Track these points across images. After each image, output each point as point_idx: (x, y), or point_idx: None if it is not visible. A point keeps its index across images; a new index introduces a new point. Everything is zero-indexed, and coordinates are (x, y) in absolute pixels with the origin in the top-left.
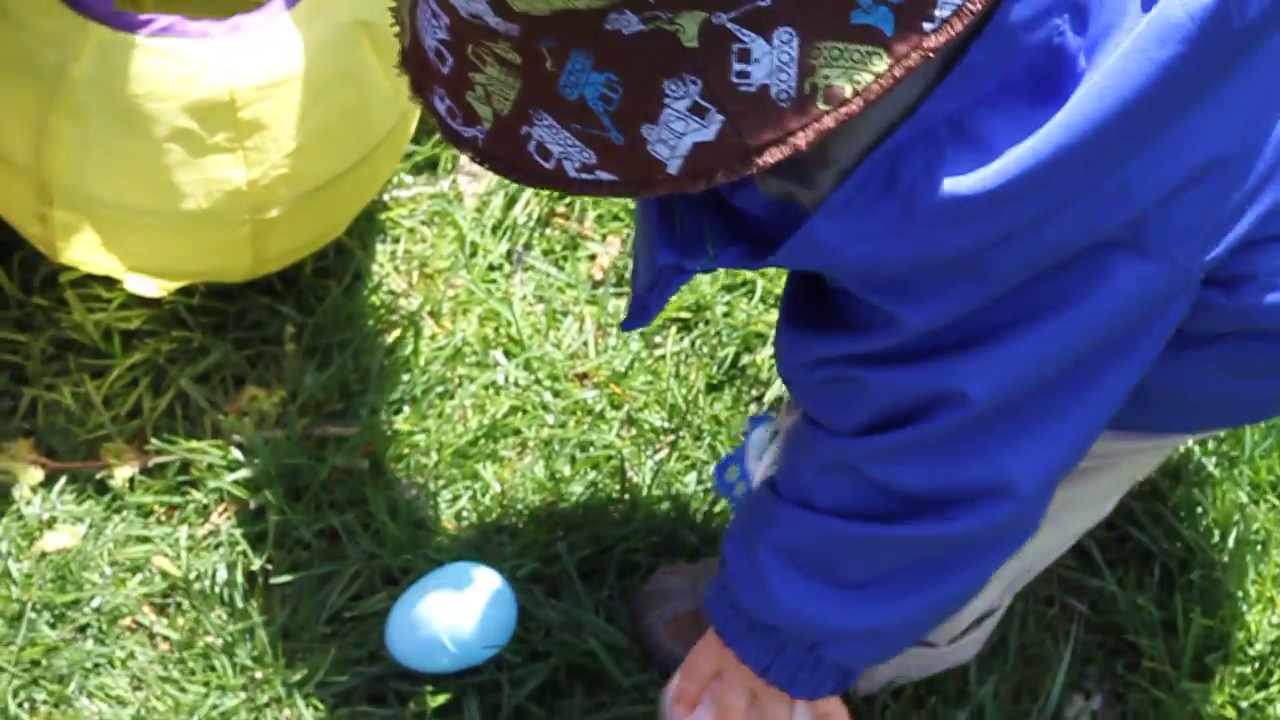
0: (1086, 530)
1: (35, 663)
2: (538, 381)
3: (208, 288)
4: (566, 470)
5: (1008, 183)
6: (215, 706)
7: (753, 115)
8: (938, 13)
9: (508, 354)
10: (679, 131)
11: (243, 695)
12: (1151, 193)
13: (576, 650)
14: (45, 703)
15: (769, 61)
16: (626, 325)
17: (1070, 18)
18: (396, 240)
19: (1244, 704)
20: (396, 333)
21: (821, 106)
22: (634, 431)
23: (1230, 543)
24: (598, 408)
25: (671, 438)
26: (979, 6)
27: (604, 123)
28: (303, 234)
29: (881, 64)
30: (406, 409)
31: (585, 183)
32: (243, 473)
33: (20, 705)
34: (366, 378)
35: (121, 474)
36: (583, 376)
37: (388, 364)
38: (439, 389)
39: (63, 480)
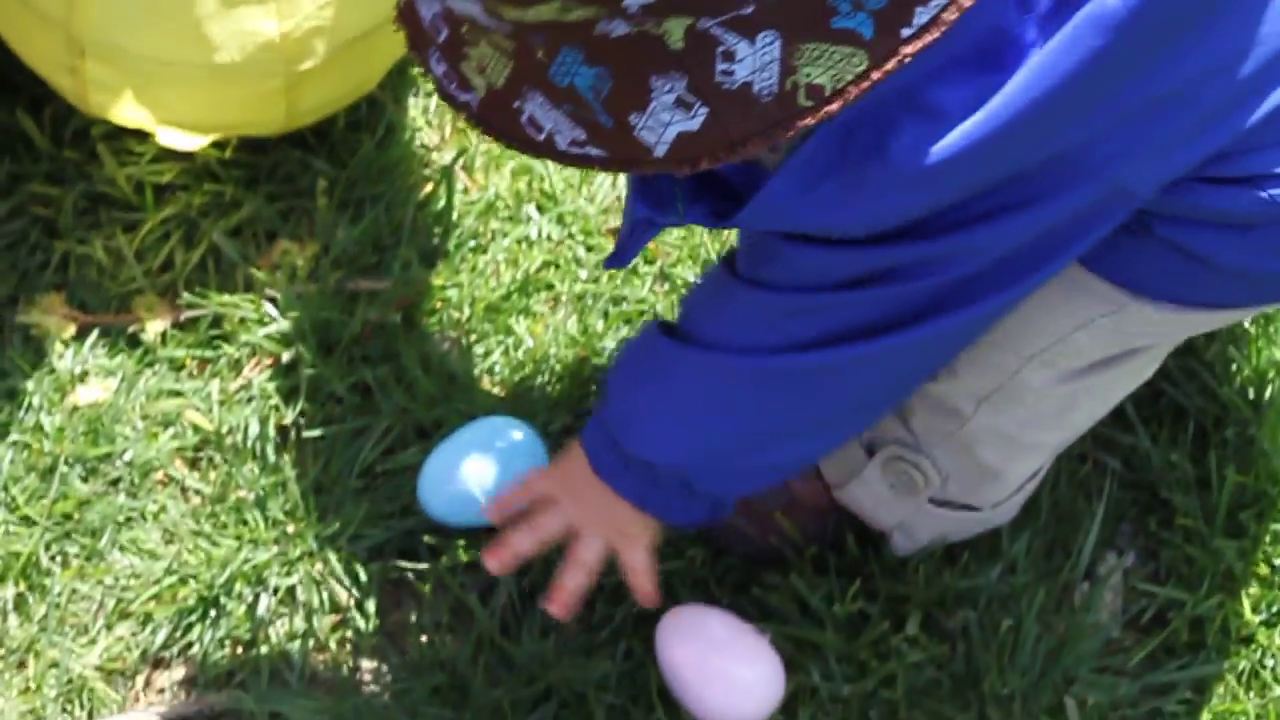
0: (1129, 393)
1: (67, 516)
2: (570, 236)
3: (240, 141)
4: (599, 325)
5: (959, 153)
6: (247, 560)
7: (736, 110)
8: (915, 20)
9: (540, 208)
10: (665, 121)
11: (274, 549)
12: (1102, 156)
13: None
14: (77, 556)
15: (752, 61)
16: (608, 263)
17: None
18: (429, 94)
19: (1277, 561)
20: (429, 187)
21: (803, 103)
22: (667, 286)
23: (1265, 399)
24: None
25: None
26: (954, 16)
27: (594, 108)
28: (336, 87)
29: (861, 65)
30: (439, 263)
31: (576, 156)
32: (275, 327)
33: (52, 559)
34: (399, 232)
35: (153, 328)
36: (615, 231)
37: (420, 218)
38: (472, 243)
39: (94, 334)
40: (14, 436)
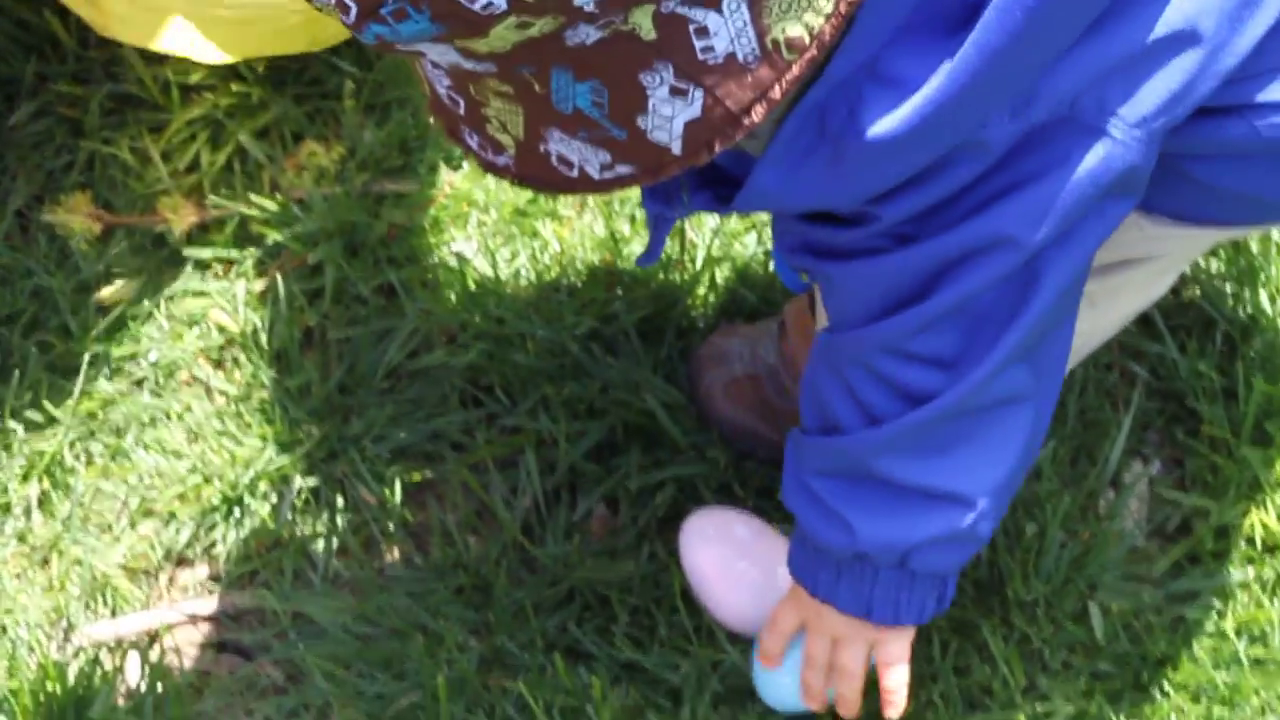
0: (1143, 309)
1: (92, 415)
2: None
3: None
4: (626, 230)
5: (926, 116)
6: (271, 460)
7: (728, 82)
8: None
9: None
10: (669, 115)
11: (299, 450)
12: (1072, 87)
13: (634, 409)
14: (101, 455)
15: (727, 31)
16: (641, 261)
17: None
18: None
19: None
20: None
21: (787, 56)
22: None
23: None
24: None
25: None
26: None
27: (603, 124)
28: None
29: (828, 4)
30: (465, 166)
31: (610, 181)
32: (300, 228)
33: (76, 457)
34: (426, 134)
35: (179, 229)
36: None
37: None
38: None
39: (120, 234)
40: (39, 336)
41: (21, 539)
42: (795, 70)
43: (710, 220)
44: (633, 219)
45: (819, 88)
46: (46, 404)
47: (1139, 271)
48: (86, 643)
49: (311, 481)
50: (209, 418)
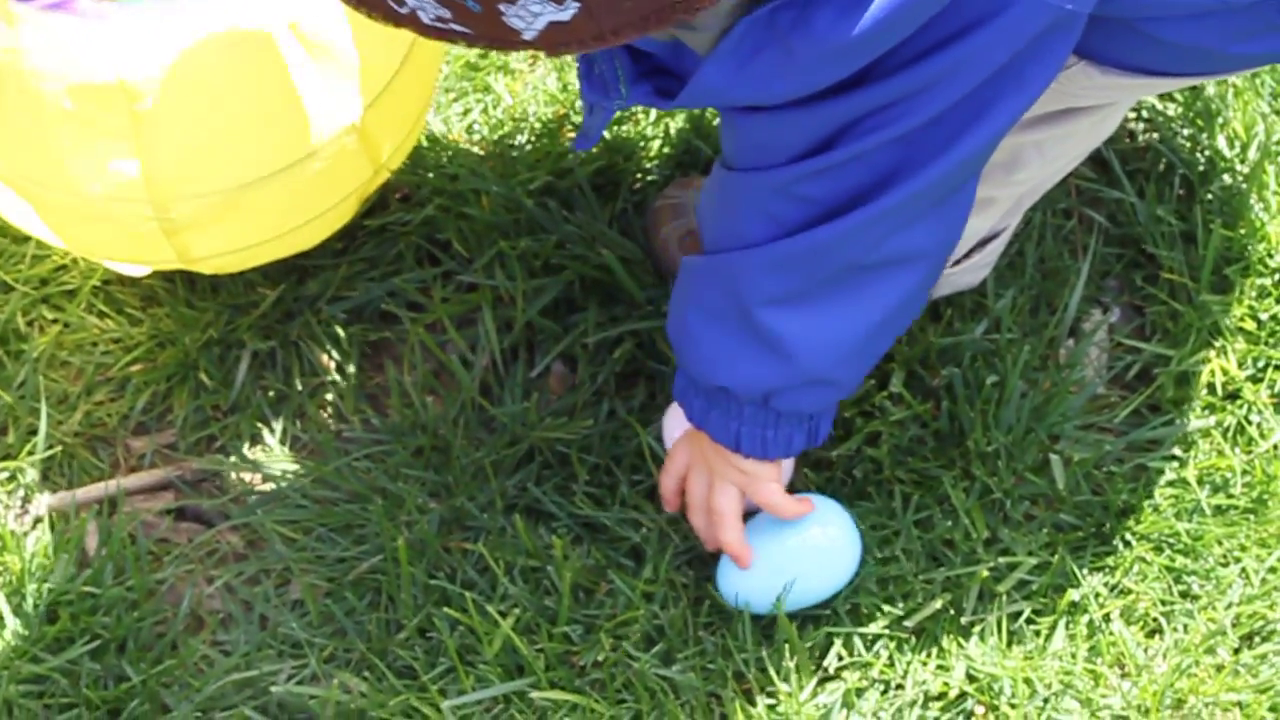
0: (1087, 153)
1: (44, 281)
2: None
3: None
4: (579, 83)
5: (876, 23)
6: (226, 324)
7: (607, 4)
8: None
9: None
10: (536, 12)
11: (253, 313)
12: None
13: (590, 264)
14: (55, 322)
15: None
16: (577, 144)
17: None
18: None
19: (1263, 315)
20: None
21: None
22: None
23: (1251, 153)
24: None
25: None
26: None
27: None
28: (232, 238)
29: None
30: None
31: (440, 30)
32: None
33: (30, 324)
34: None
35: None
36: None
37: None
38: None
39: None
40: None
41: None
42: (680, 13)
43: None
44: None
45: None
46: None
47: (1089, 117)
48: (45, 512)
49: (267, 345)
50: (163, 282)
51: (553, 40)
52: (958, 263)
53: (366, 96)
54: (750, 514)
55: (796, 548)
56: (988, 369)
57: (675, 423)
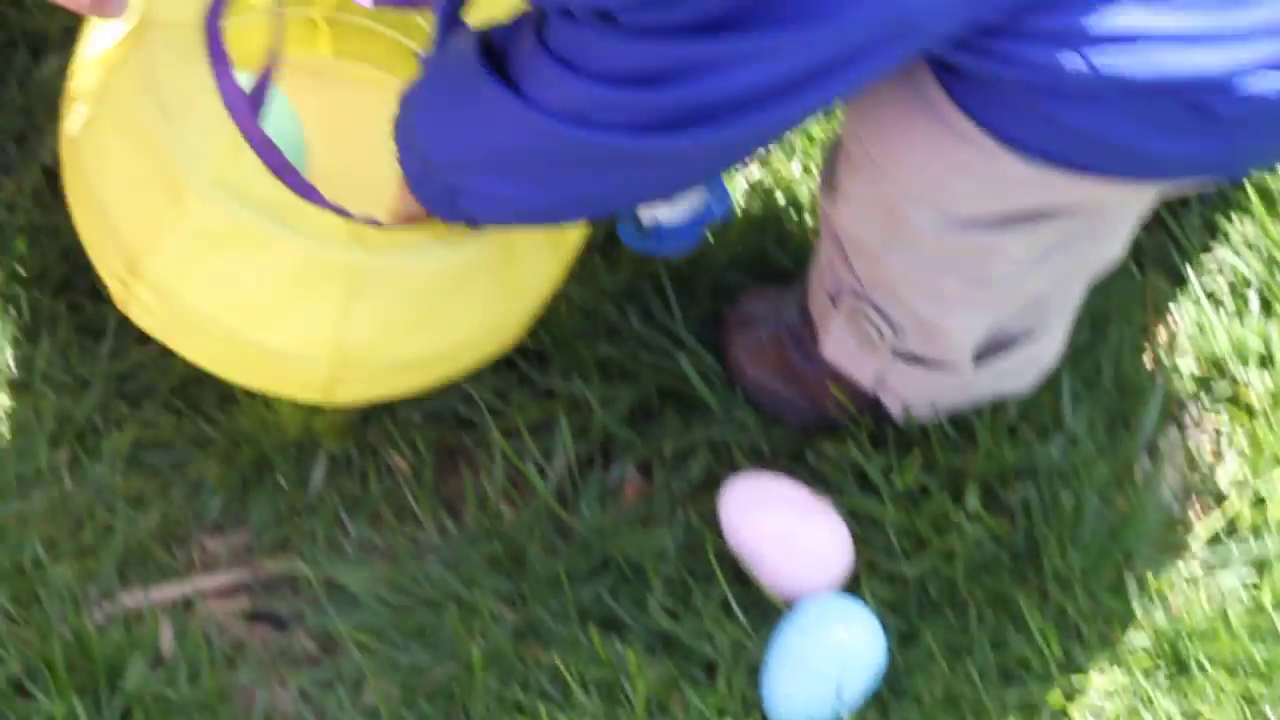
0: (1102, 265)
1: (122, 378)
2: None
3: None
4: None
5: None
6: (303, 426)
7: None
8: None
9: None
10: None
11: (331, 415)
12: None
13: (667, 372)
14: (132, 420)
15: None
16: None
17: None
18: None
19: None
20: None
21: None
22: None
23: None
24: None
25: (765, 152)
26: None
27: None
28: (383, 391)
29: None
30: None
31: None
32: None
33: (107, 421)
34: None
35: None
36: None
37: None
38: None
39: None
40: (69, 297)
41: (53, 505)
42: None
43: (742, 182)
44: None
45: None
46: (76, 366)
47: (1059, 227)
48: (119, 611)
49: (344, 447)
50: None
51: None
52: (979, 363)
53: (548, 284)
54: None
55: (824, 651)
56: (1064, 487)
57: (735, 509)
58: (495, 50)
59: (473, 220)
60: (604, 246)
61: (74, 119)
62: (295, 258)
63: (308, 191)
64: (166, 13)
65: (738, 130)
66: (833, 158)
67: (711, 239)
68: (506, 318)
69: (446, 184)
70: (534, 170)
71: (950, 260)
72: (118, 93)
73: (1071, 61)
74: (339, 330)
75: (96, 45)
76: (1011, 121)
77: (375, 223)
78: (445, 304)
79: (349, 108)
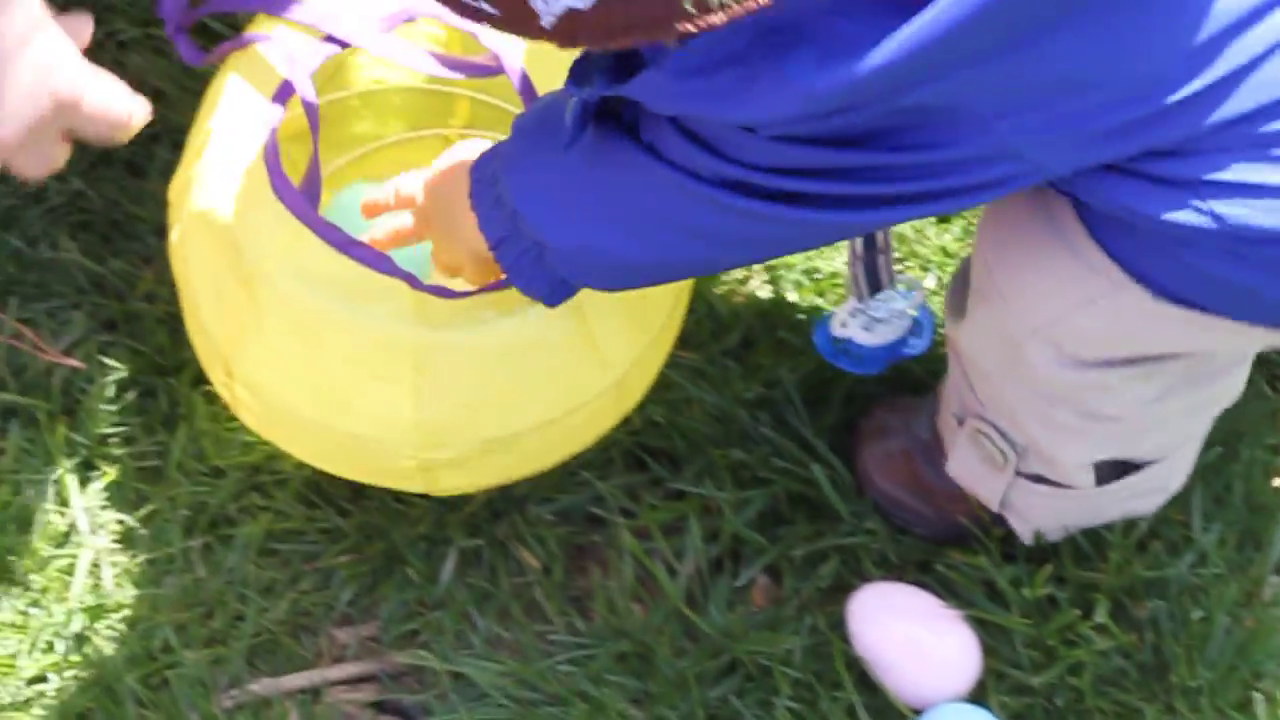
0: (1226, 402)
1: (256, 469)
2: None
3: None
4: (793, 297)
5: (847, 84)
6: (434, 519)
7: (621, 2)
8: None
9: None
10: None
11: (462, 509)
12: (992, 114)
13: (797, 478)
14: (265, 509)
15: None
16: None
17: None
18: None
19: None
20: None
21: (687, 7)
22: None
23: None
24: None
25: (899, 267)
26: None
27: None
28: (482, 476)
29: None
30: None
31: (469, 7)
32: None
33: (241, 510)
34: None
35: None
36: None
37: None
38: None
39: None
40: (206, 387)
41: (184, 591)
42: (688, 25)
43: None
44: (798, 284)
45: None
46: (212, 456)
47: (1179, 369)
48: (248, 699)
49: (474, 542)
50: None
51: (566, 30)
52: (1101, 484)
53: (630, 355)
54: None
55: None
56: (1193, 603)
57: (862, 617)
58: (618, 115)
59: (557, 284)
60: (738, 352)
61: (172, 225)
62: (361, 338)
63: (377, 260)
64: (236, 112)
65: (855, 221)
66: (960, 280)
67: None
68: (591, 392)
69: (535, 242)
70: (642, 227)
71: (1066, 396)
72: (199, 195)
73: (1194, 209)
74: (416, 411)
75: (189, 152)
76: (1142, 257)
77: (445, 292)
78: (519, 378)
79: None
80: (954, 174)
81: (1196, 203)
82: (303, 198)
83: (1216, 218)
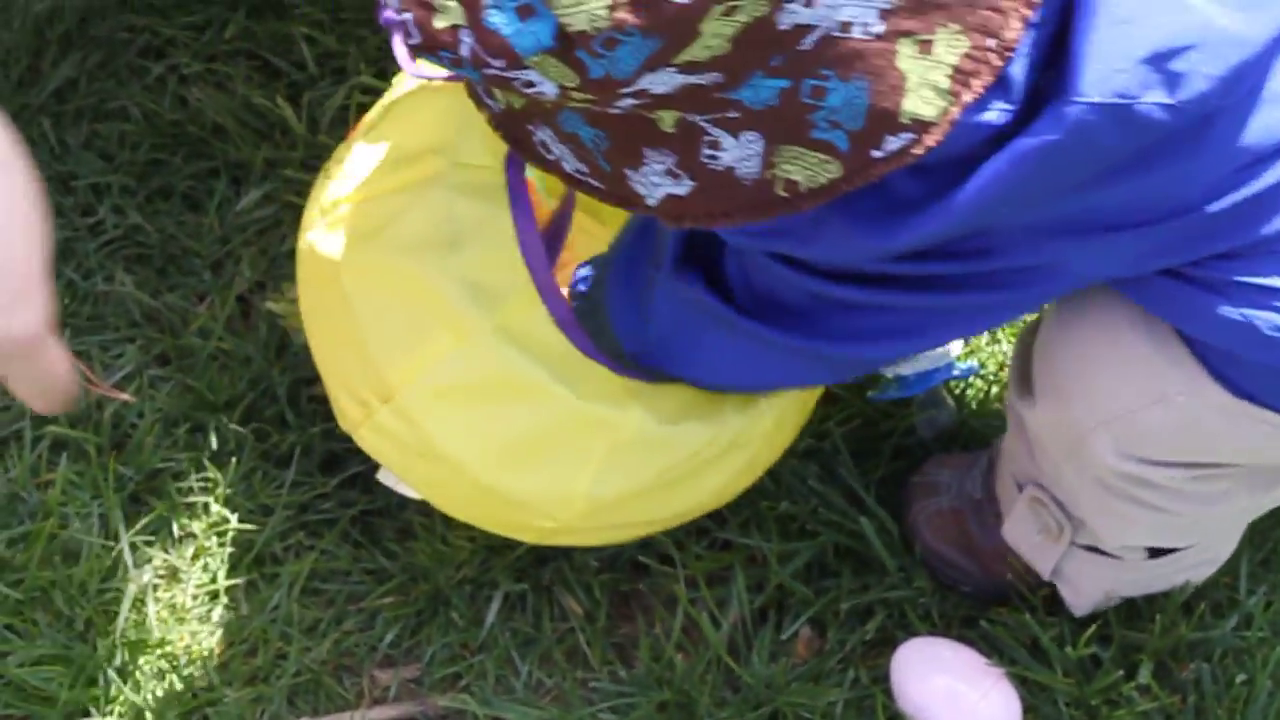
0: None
1: (303, 507)
2: None
3: None
4: None
5: (910, 238)
6: (480, 563)
7: (720, 187)
8: (885, 146)
9: None
10: (655, 183)
11: (508, 554)
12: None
13: (845, 530)
14: (310, 548)
15: (736, 152)
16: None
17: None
18: None
19: None
20: None
21: (780, 193)
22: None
23: None
24: None
25: None
26: (920, 151)
27: (594, 155)
28: (591, 540)
29: (835, 172)
30: None
31: (580, 182)
32: None
33: (285, 549)
34: None
35: None
36: None
37: None
38: None
39: None
40: (255, 424)
41: (229, 628)
42: (782, 210)
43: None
44: None
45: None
46: (260, 494)
47: (1239, 475)
48: None
49: (519, 586)
50: (419, 517)
51: (672, 211)
52: (1152, 557)
53: (759, 431)
54: None
55: None
56: (1237, 666)
57: (906, 673)
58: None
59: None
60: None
61: (335, 240)
62: (565, 411)
63: (589, 349)
64: (469, 155)
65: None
66: (1026, 354)
67: (890, 405)
68: (738, 488)
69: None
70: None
71: (1125, 489)
72: (406, 224)
73: (1262, 313)
74: (591, 487)
75: (370, 171)
76: (1221, 354)
77: (650, 377)
78: (694, 478)
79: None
80: (1007, 279)
81: (1268, 311)
82: (543, 250)
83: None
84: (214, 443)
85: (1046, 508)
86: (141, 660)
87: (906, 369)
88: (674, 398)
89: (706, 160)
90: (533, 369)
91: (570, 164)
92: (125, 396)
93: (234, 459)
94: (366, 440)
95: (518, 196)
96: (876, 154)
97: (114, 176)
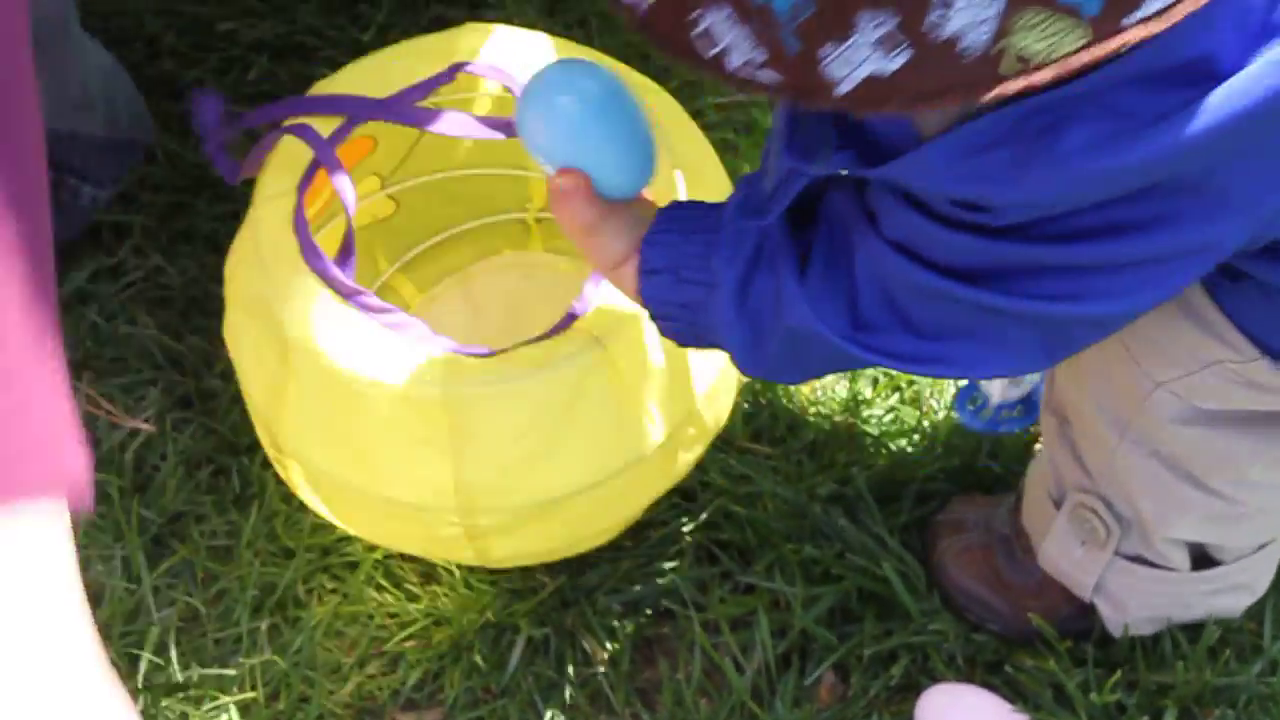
0: None
1: (326, 551)
2: None
3: None
4: (868, 392)
5: (1131, 162)
6: (503, 607)
7: (935, 61)
8: (1143, 8)
9: None
10: (859, 59)
11: (531, 598)
12: (1253, 195)
13: (869, 575)
14: (333, 591)
15: (968, 14)
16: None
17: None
18: None
19: None
20: None
21: (1006, 69)
22: None
23: None
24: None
25: None
26: (1185, 12)
27: (783, 33)
28: (532, 543)
29: (1079, 40)
30: None
31: (742, 80)
32: None
33: (309, 592)
34: None
35: None
36: None
37: None
38: None
39: None
40: (276, 469)
41: (250, 672)
42: (1009, 85)
43: (952, 384)
44: (875, 381)
45: (1031, 97)
46: (282, 536)
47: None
48: None
49: (542, 631)
50: (444, 560)
51: (866, 96)
52: (1198, 567)
53: (677, 416)
54: None
55: None
56: (1261, 712)
57: (930, 716)
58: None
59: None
60: (812, 448)
61: (228, 304)
62: (394, 400)
63: (405, 324)
64: (271, 187)
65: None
66: None
67: (916, 441)
68: (634, 454)
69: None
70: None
71: (1183, 456)
72: (238, 270)
73: None
74: (457, 472)
75: (241, 229)
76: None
77: (485, 354)
78: (557, 438)
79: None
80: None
81: None
82: (327, 261)
83: None
84: (236, 485)
85: (1093, 511)
86: (164, 703)
87: (997, 394)
88: (500, 361)
89: (930, 27)
90: (351, 367)
91: (741, 53)
92: (145, 426)
93: (256, 502)
94: (302, 495)
95: (299, 219)
96: (1130, 19)
97: (136, 218)
